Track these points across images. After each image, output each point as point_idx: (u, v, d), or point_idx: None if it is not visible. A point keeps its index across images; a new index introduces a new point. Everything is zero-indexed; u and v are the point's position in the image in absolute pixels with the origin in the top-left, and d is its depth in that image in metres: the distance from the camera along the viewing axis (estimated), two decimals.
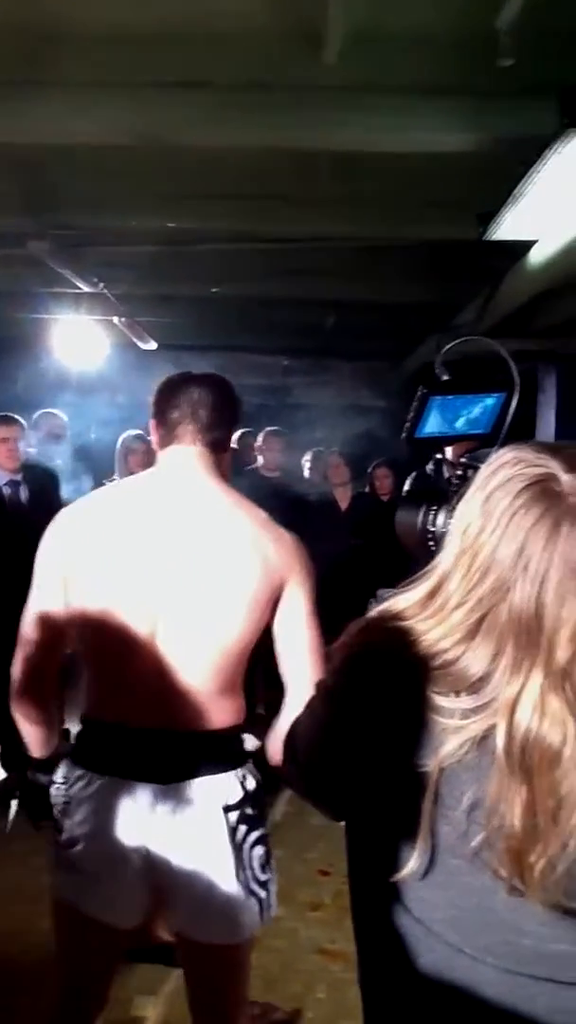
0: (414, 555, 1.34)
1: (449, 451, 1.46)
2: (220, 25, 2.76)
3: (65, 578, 1.78)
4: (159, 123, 3.07)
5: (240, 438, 5.67)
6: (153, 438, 1.92)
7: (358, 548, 5.27)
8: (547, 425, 6.26)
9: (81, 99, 3.01)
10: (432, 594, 1.00)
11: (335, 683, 1.08)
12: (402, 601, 1.03)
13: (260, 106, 2.98)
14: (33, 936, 2.91)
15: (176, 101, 2.99)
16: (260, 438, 5.67)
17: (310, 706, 1.14)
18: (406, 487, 4.54)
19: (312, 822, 4.00)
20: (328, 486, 5.64)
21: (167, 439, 1.86)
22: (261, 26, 2.76)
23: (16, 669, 1.88)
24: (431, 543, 1.32)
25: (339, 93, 2.90)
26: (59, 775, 1.87)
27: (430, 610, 0.99)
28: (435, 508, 1.33)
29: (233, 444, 4.96)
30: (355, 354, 9.07)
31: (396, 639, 0.99)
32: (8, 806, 4.06)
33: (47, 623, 1.82)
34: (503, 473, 0.96)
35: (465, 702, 0.94)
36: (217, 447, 1.86)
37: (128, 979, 2.79)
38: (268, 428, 5.76)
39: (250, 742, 1.89)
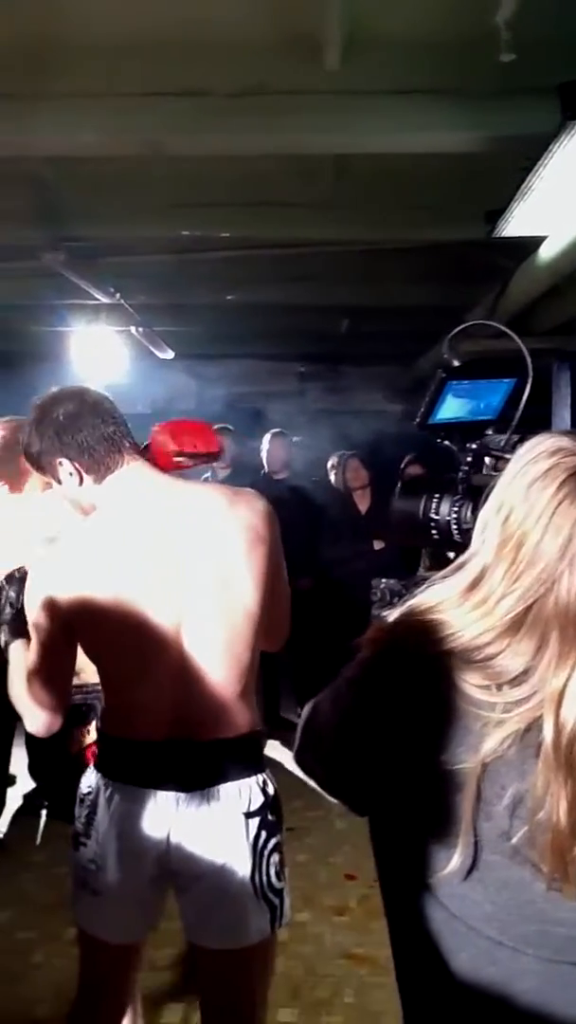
0: (413, 544, 1.32)
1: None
2: (222, 34, 2.78)
3: (66, 614, 1.74)
4: (165, 131, 3.10)
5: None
6: (80, 470, 1.79)
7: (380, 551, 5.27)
8: (562, 422, 6.22)
9: (88, 110, 3.04)
10: (473, 586, 0.98)
11: (365, 675, 1.05)
12: (437, 594, 1.01)
13: (264, 112, 3.00)
14: (56, 945, 2.94)
15: (181, 109, 3.02)
16: (265, 441, 5.67)
17: (334, 696, 1.11)
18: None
19: (337, 826, 4.00)
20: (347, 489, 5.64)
21: (103, 469, 1.78)
22: (262, 34, 2.78)
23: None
24: (433, 531, 1.31)
25: (341, 97, 2.92)
26: (84, 785, 1.87)
27: (472, 602, 0.97)
28: (437, 496, 1.32)
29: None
30: (369, 358, 9.07)
31: (433, 633, 0.97)
32: (39, 816, 4.09)
33: (61, 657, 1.81)
34: (543, 462, 0.95)
35: (507, 695, 0.92)
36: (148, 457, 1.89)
37: (153, 987, 2.80)
38: (272, 431, 5.75)
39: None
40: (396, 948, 1.13)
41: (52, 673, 1.81)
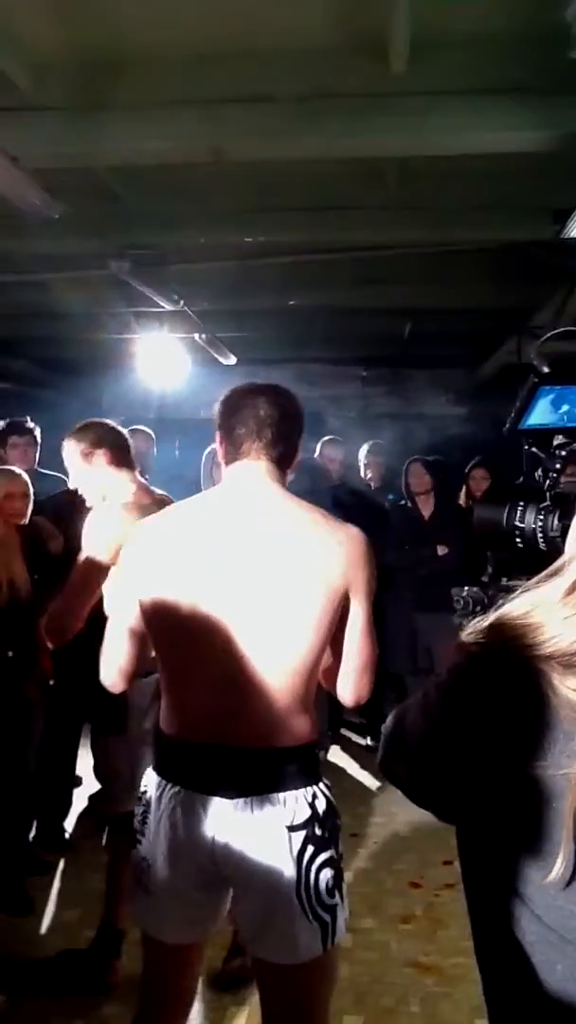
0: (497, 552, 1.31)
1: None
2: (286, 40, 2.80)
3: (140, 597, 1.80)
4: (231, 138, 3.12)
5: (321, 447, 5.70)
6: (219, 452, 1.91)
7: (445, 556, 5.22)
8: None
9: (153, 119, 3.08)
10: (572, 590, 0.96)
11: (457, 682, 1.04)
12: (532, 600, 0.99)
13: (330, 116, 3.00)
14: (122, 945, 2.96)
15: (246, 116, 3.04)
16: (318, 448, 5.66)
17: (423, 702, 1.10)
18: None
19: (401, 833, 3.96)
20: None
21: (233, 455, 1.86)
22: (327, 38, 2.79)
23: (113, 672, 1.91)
24: (518, 540, 1.29)
25: (407, 99, 2.90)
26: (143, 783, 1.89)
27: (571, 606, 0.95)
28: (522, 505, 1.30)
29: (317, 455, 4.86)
30: (433, 361, 9.00)
31: (530, 637, 0.95)
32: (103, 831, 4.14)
33: (137, 633, 1.85)
34: None
35: None
36: (281, 461, 1.86)
37: (222, 990, 2.81)
38: (325, 438, 5.74)
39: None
40: (483, 959, 1.10)
41: (121, 640, 1.87)
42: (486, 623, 1.01)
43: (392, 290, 6.05)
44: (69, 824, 4.09)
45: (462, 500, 5.77)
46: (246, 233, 4.59)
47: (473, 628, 1.02)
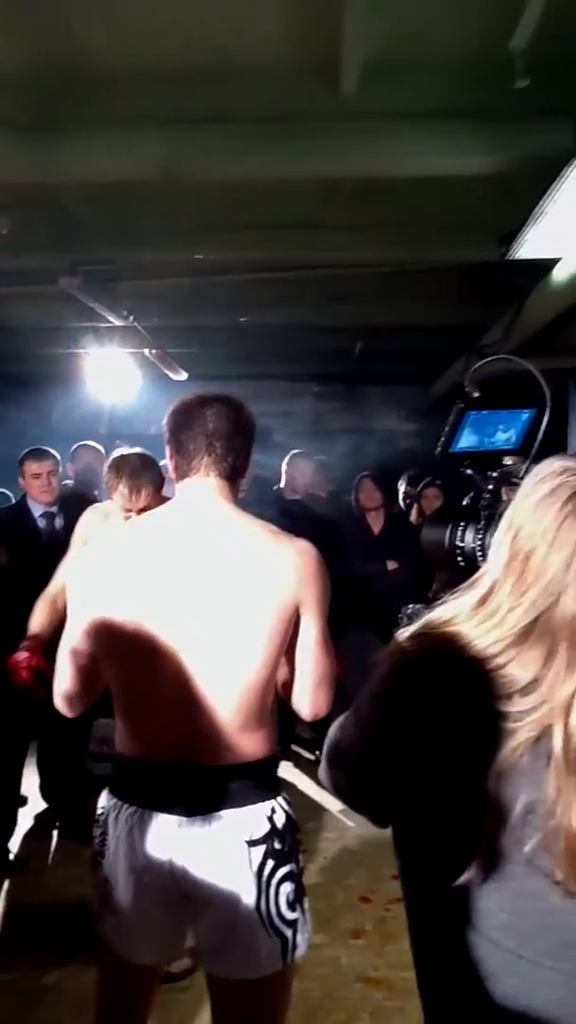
0: (442, 571, 1.35)
1: None
2: (241, 61, 2.82)
3: (89, 618, 1.79)
4: (185, 158, 3.13)
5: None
6: (169, 466, 1.90)
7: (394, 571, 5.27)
8: None
9: (107, 137, 3.08)
10: (483, 601, 1.02)
11: (384, 689, 1.08)
12: (451, 609, 1.05)
13: (282, 137, 3.03)
14: (71, 966, 2.93)
15: (201, 135, 3.05)
16: (286, 461, 5.71)
17: (356, 713, 1.14)
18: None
19: (352, 848, 3.98)
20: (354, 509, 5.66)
21: (184, 471, 1.85)
22: (280, 60, 2.82)
23: (62, 701, 1.90)
24: (459, 559, 1.33)
25: (358, 122, 2.95)
26: (99, 804, 1.88)
27: (481, 615, 1.00)
28: (463, 525, 1.35)
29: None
30: (385, 378, 9.09)
31: (447, 645, 1.01)
32: (51, 835, 4.10)
33: (83, 656, 1.84)
34: (551, 481, 0.99)
35: (518, 705, 0.95)
36: (232, 475, 1.85)
37: (171, 1009, 2.78)
38: (294, 451, 5.79)
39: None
40: (418, 959, 1.13)
41: (72, 666, 1.85)
42: (411, 631, 1.06)
43: (346, 308, 6.11)
44: (15, 844, 4.03)
45: (413, 518, 5.85)
46: (199, 250, 4.60)
47: (400, 636, 1.07)
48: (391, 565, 5.30)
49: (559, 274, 4.20)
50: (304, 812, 4.25)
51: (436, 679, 1.01)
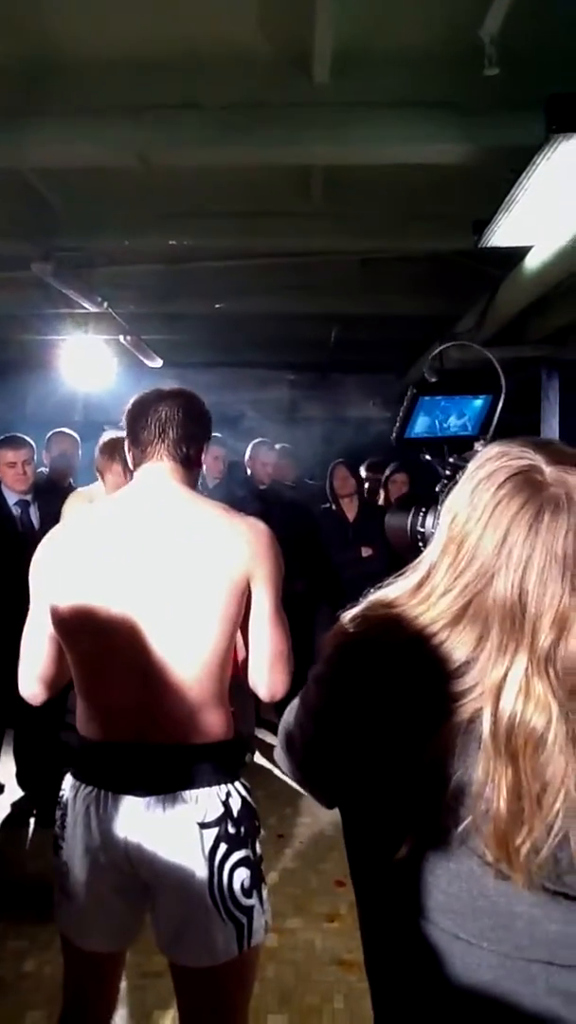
0: (406, 556, 1.36)
1: None
2: (214, 49, 2.82)
3: (50, 601, 1.81)
4: (158, 144, 3.12)
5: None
6: (128, 457, 1.95)
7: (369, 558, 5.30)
8: (551, 431, 6.26)
9: (82, 124, 3.06)
10: (421, 583, 1.03)
11: (327, 671, 1.10)
12: (392, 591, 1.06)
13: (255, 125, 3.03)
14: (48, 954, 2.94)
15: (174, 123, 3.04)
16: (249, 450, 5.70)
17: (303, 695, 1.16)
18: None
19: (327, 833, 4.01)
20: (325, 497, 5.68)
21: (139, 458, 1.90)
22: (253, 49, 2.81)
23: (27, 688, 1.91)
24: (421, 544, 1.35)
25: (330, 110, 2.95)
26: (63, 788, 1.89)
27: (418, 598, 1.02)
28: (424, 510, 1.36)
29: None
30: (360, 367, 9.11)
31: (386, 627, 1.02)
32: (27, 824, 4.10)
33: (46, 639, 1.85)
34: (489, 466, 1.00)
35: (452, 687, 0.96)
36: (187, 462, 1.89)
37: (145, 994, 2.81)
38: (257, 440, 5.77)
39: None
40: (364, 939, 1.15)
41: (35, 645, 1.87)
42: (353, 614, 1.08)
43: (321, 296, 6.11)
44: None
45: (382, 502, 5.87)
46: (174, 237, 4.59)
47: (343, 619, 1.08)
48: (366, 552, 5.33)
49: (531, 262, 4.22)
50: (279, 799, 4.28)
51: (374, 660, 1.02)
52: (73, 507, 3.75)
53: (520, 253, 4.27)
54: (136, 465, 1.91)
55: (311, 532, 5.38)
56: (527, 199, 2.80)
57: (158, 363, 8.14)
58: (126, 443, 1.94)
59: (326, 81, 2.82)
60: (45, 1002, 2.74)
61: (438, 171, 3.25)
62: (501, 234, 3.20)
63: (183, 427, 1.88)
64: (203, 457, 1.95)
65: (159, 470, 1.87)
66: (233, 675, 1.86)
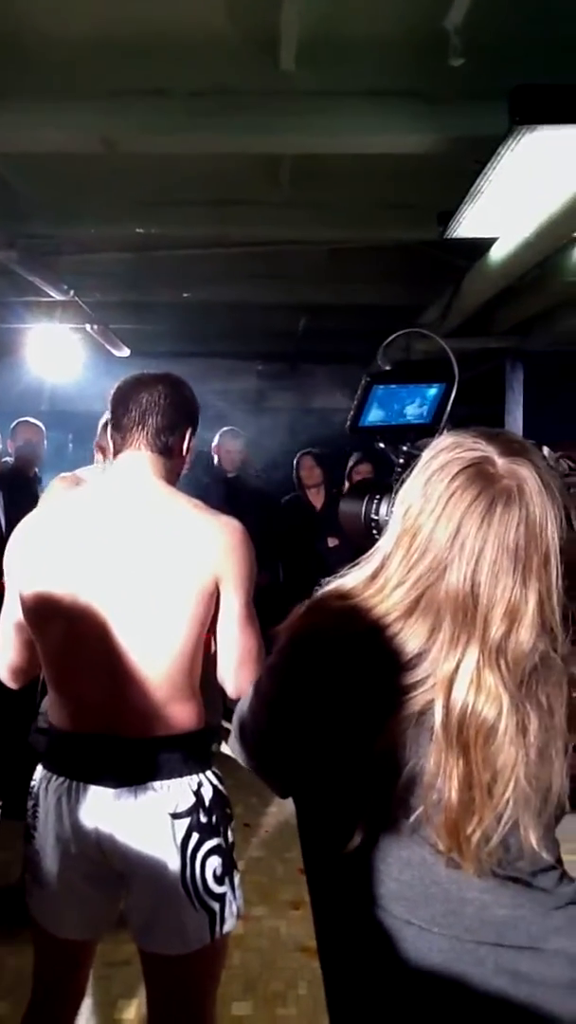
0: (360, 543, 1.37)
1: None
2: (181, 34, 2.79)
3: (20, 588, 1.80)
4: (123, 131, 3.10)
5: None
6: (110, 441, 1.91)
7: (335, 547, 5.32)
8: (515, 422, 6.31)
9: (48, 108, 3.03)
10: (375, 575, 1.03)
11: (280, 661, 1.11)
12: (347, 582, 1.07)
13: (221, 112, 3.02)
14: (12, 944, 2.93)
15: (140, 109, 3.02)
16: (216, 438, 5.69)
17: (257, 685, 1.17)
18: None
19: (292, 822, 4.02)
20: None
21: (120, 444, 1.86)
22: (219, 34, 2.79)
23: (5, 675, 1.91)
24: (374, 531, 1.35)
25: (296, 98, 2.94)
26: (34, 777, 1.89)
27: (372, 590, 1.02)
28: (378, 498, 1.36)
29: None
30: (328, 357, 9.10)
31: (339, 618, 1.02)
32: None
33: (22, 627, 1.84)
34: (442, 457, 1.00)
35: (404, 678, 0.97)
36: (166, 451, 1.85)
37: (111, 983, 2.80)
38: (224, 428, 5.76)
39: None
40: (317, 926, 1.16)
41: (8, 637, 1.87)
42: (307, 604, 1.08)
43: (288, 286, 6.10)
44: None
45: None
46: (142, 225, 4.55)
47: (297, 609, 1.09)
48: (332, 542, 5.35)
49: (495, 254, 4.24)
50: (245, 788, 4.27)
51: (327, 651, 1.03)
52: (55, 490, 3.68)
53: (485, 244, 4.29)
54: (117, 451, 1.87)
55: (278, 520, 5.39)
56: (492, 190, 2.82)
57: (125, 352, 8.09)
58: (109, 427, 1.90)
59: (292, 68, 2.80)
60: (8, 991, 2.73)
61: (406, 161, 3.26)
62: (466, 225, 3.21)
63: (165, 415, 1.83)
64: (187, 445, 1.90)
65: (137, 460, 1.83)
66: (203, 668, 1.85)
